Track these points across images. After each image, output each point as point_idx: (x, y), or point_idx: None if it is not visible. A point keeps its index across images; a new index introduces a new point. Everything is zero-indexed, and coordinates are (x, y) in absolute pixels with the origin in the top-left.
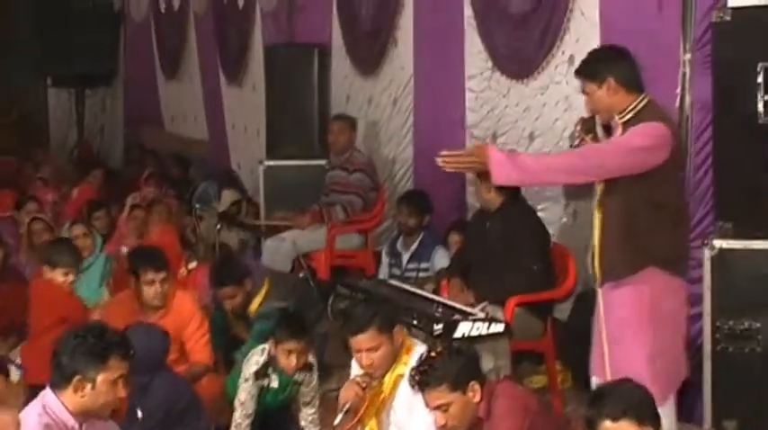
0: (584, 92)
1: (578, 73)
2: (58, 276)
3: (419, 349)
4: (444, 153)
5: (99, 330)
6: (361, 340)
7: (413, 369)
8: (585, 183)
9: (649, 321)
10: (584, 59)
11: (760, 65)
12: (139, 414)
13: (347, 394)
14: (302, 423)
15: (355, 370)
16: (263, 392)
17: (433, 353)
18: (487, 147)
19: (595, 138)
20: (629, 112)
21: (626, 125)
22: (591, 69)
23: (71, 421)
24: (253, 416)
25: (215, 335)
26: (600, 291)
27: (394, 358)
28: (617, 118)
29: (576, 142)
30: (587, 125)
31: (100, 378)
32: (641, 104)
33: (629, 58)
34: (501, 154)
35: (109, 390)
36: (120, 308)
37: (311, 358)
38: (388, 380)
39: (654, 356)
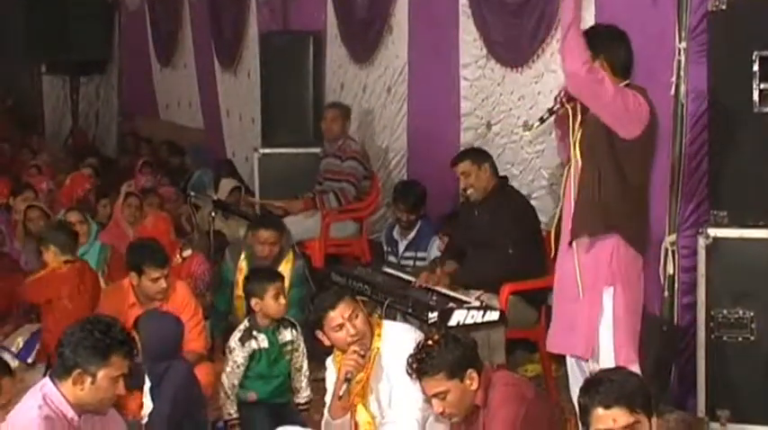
0: None
1: None
2: (49, 256)
3: (387, 325)
4: None
5: (106, 326)
6: (341, 310)
7: (410, 356)
8: (575, 77)
9: (614, 299)
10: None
11: (755, 53)
12: (149, 403)
13: (348, 363)
14: (296, 386)
15: (331, 369)
16: (255, 357)
17: (430, 342)
18: None
19: (575, 108)
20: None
21: None
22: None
23: (70, 412)
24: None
25: (216, 319)
26: (565, 257)
27: (367, 329)
28: None
29: (557, 107)
30: (570, 95)
31: (101, 373)
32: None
33: (626, 43)
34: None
35: (108, 387)
36: (115, 297)
37: (293, 321)
38: (367, 358)
39: (625, 320)
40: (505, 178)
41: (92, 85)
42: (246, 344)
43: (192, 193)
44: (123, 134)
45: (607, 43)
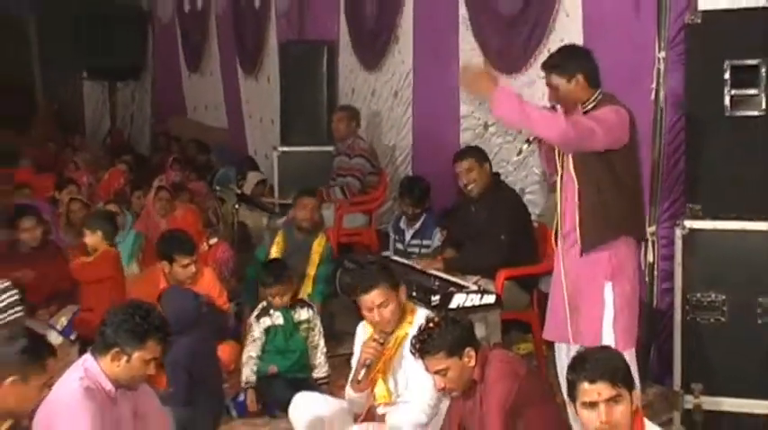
0: (549, 84)
1: (549, 67)
2: (94, 240)
3: (421, 312)
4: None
5: (146, 312)
6: (373, 296)
7: (413, 337)
8: (566, 142)
9: (614, 285)
10: (555, 55)
11: (727, 62)
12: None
13: (367, 350)
14: (314, 363)
15: (360, 335)
16: (271, 332)
17: (431, 324)
18: (494, 84)
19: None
20: (590, 103)
21: (587, 114)
22: (562, 65)
23: (108, 385)
24: (259, 354)
25: (248, 287)
26: (564, 259)
27: (400, 314)
28: (580, 107)
29: (531, 139)
30: None
31: (136, 355)
32: (600, 96)
33: (592, 57)
34: (504, 92)
35: (141, 367)
36: (148, 282)
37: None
38: (393, 339)
39: (624, 311)
40: (498, 175)
41: (127, 90)
42: (262, 321)
43: (218, 188)
44: (155, 133)
45: (580, 61)
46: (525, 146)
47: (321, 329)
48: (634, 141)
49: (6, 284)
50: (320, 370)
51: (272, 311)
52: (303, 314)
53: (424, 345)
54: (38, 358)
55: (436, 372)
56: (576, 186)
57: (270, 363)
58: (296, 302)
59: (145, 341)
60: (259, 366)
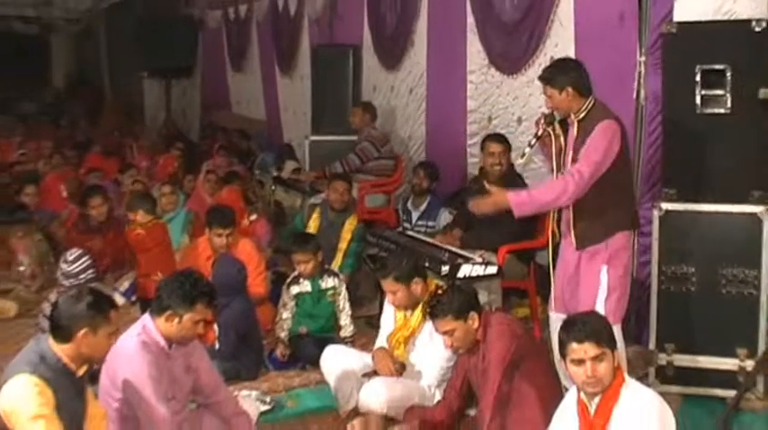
0: (545, 94)
1: (543, 80)
2: (139, 217)
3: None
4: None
5: (195, 280)
6: (384, 283)
7: (424, 303)
8: (582, 195)
9: (608, 273)
10: (547, 68)
11: (698, 67)
12: (216, 330)
13: (382, 368)
14: (341, 324)
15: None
16: (300, 298)
17: (440, 291)
18: (505, 193)
19: (554, 130)
20: (582, 112)
21: (581, 122)
22: (553, 78)
23: (162, 341)
24: (290, 316)
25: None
26: (568, 248)
27: (411, 300)
28: (573, 116)
29: (540, 132)
30: (548, 119)
31: (186, 316)
32: (591, 104)
33: (582, 68)
34: (518, 196)
35: (191, 327)
36: (196, 251)
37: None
38: (418, 314)
39: (617, 291)
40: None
41: (181, 87)
42: (292, 288)
43: (257, 171)
44: (204, 124)
45: (569, 75)
46: (528, 149)
47: (346, 295)
48: (625, 145)
49: (79, 252)
50: (346, 330)
51: (301, 280)
52: (329, 282)
53: (434, 310)
54: (102, 311)
55: (445, 333)
56: None
57: (301, 324)
58: (323, 271)
59: (194, 304)
60: (291, 327)
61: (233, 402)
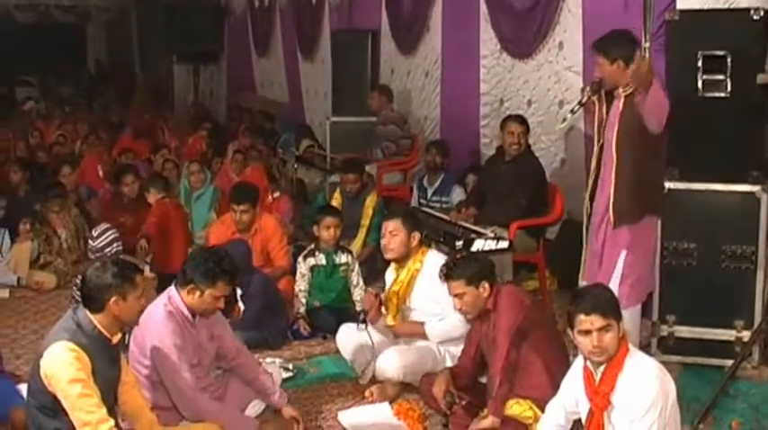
0: (597, 62)
1: (597, 49)
2: (151, 196)
3: (431, 252)
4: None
5: (219, 258)
6: (389, 224)
7: (443, 265)
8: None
9: (626, 259)
10: (602, 38)
11: (699, 53)
12: (241, 306)
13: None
14: (354, 298)
15: (389, 274)
16: (315, 270)
17: (458, 256)
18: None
19: (600, 107)
20: (630, 87)
21: (628, 97)
22: (606, 48)
23: (186, 311)
24: (307, 288)
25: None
26: (601, 226)
27: (404, 250)
28: (621, 90)
29: (585, 100)
30: (594, 87)
31: (207, 292)
32: None
33: (636, 43)
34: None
35: (212, 302)
36: (222, 227)
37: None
38: (405, 273)
39: (631, 277)
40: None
41: (208, 71)
42: (307, 260)
43: (281, 150)
44: (230, 106)
45: (622, 49)
46: (570, 115)
47: (359, 271)
48: (666, 128)
49: (104, 227)
50: (360, 304)
51: (316, 253)
52: (343, 258)
53: (450, 271)
54: (128, 277)
55: (456, 295)
56: (614, 161)
57: (315, 298)
58: (338, 247)
59: (215, 282)
60: (308, 299)
61: (255, 364)
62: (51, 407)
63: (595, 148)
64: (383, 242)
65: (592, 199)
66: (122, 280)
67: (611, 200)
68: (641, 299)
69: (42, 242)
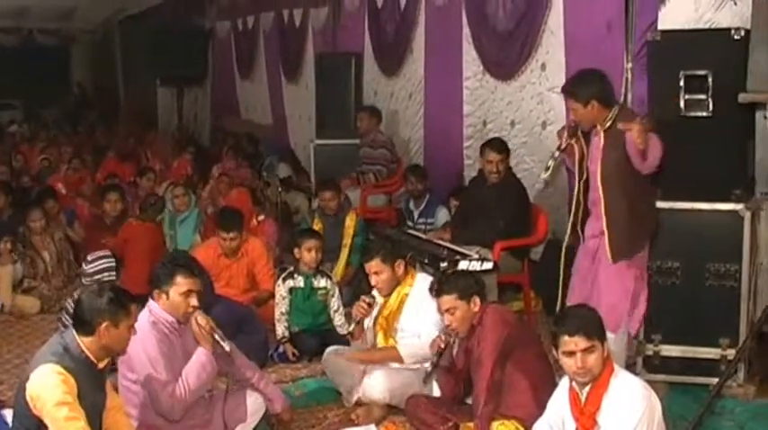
0: (569, 107)
1: (567, 93)
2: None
3: (420, 275)
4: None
5: (171, 257)
6: (370, 265)
7: (434, 280)
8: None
9: (630, 281)
10: (570, 81)
11: (681, 72)
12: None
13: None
14: (336, 324)
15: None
16: (294, 293)
17: (450, 272)
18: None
19: (579, 142)
20: (608, 121)
21: (607, 131)
22: (578, 92)
23: (170, 318)
24: (287, 313)
25: None
26: (588, 251)
27: (394, 282)
28: (599, 126)
29: (564, 145)
30: (572, 131)
31: (171, 291)
32: (616, 112)
33: (606, 79)
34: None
35: (182, 301)
36: (208, 250)
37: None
38: (395, 298)
39: (629, 301)
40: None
41: (192, 94)
42: (286, 282)
43: (265, 173)
44: (214, 129)
45: (592, 87)
46: (552, 162)
47: (339, 296)
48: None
49: (100, 254)
50: (342, 329)
51: (295, 275)
52: (322, 283)
53: (442, 286)
54: (123, 305)
55: (447, 310)
56: (602, 199)
57: (294, 321)
58: (318, 271)
59: (173, 277)
60: (290, 323)
61: (248, 365)
62: None
63: (578, 183)
64: (372, 283)
65: (574, 229)
66: (117, 307)
67: (606, 238)
68: (622, 323)
69: (27, 266)
